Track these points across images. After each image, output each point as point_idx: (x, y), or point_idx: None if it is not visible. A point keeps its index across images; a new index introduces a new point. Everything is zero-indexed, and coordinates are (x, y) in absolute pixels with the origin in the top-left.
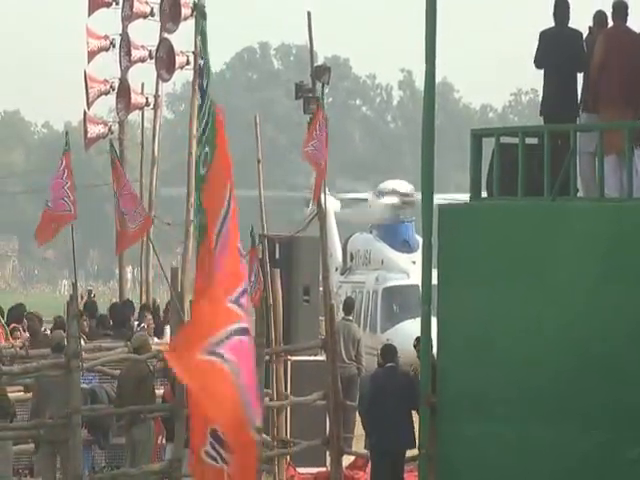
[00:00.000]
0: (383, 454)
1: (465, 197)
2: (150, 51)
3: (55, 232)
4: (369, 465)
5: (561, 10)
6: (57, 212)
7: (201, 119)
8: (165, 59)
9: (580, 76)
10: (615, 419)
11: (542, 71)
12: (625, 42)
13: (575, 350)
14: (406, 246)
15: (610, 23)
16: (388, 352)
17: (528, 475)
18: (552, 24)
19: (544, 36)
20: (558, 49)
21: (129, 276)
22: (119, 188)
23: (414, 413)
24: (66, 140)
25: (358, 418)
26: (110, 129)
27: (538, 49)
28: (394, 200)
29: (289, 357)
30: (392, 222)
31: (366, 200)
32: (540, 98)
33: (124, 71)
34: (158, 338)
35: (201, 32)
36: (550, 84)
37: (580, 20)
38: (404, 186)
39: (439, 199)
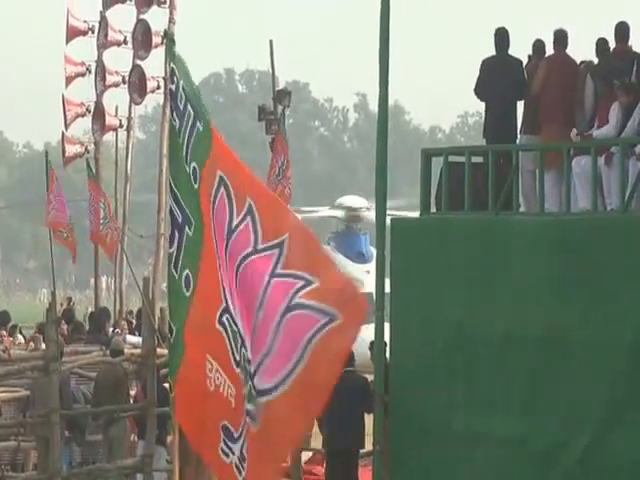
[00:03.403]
0: (339, 453)
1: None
2: (123, 76)
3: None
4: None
5: (501, 38)
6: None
7: (183, 138)
8: (137, 84)
9: (520, 101)
10: (554, 413)
11: (484, 97)
12: (564, 68)
13: (519, 352)
14: (361, 257)
15: (549, 51)
16: (347, 357)
17: (475, 466)
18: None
19: (485, 64)
20: (498, 76)
21: (104, 285)
22: (95, 202)
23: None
24: (46, 160)
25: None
26: (86, 149)
27: (479, 77)
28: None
29: None
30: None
31: (328, 217)
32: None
33: (99, 95)
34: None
35: (177, 59)
36: (491, 111)
37: (520, 48)
38: (359, 201)
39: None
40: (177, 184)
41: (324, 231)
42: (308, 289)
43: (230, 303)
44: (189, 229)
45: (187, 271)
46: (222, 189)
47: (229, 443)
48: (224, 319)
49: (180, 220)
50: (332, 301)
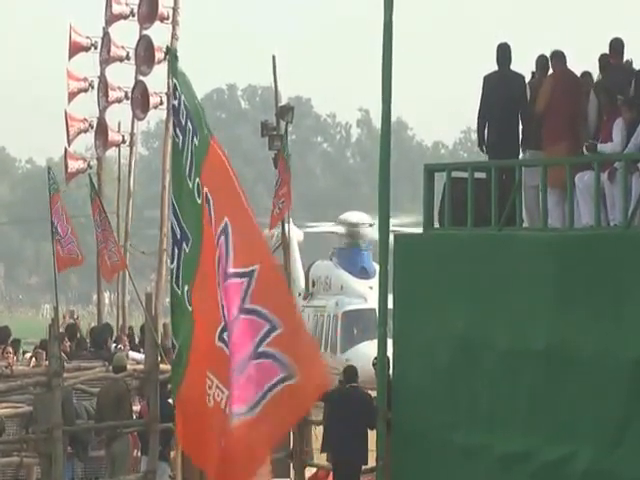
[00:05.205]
0: (343, 468)
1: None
2: (126, 92)
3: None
4: (329, 476)
5: (503, 54)
6: (69, 255)
7: (186, 153)
8: (140, 99)
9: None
10: (556, 429)
11: (487, 113)
12: (568, 85)
13: (521, 367)
14: (364, 273)
15: (550, 68)
16: (350, 373)
17: None
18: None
19: (486, 80)
20: (500, 92)
21: (106, 301)
22: (100, 223)
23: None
24: (49, 177)
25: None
26: (89, 164)
27: (482, 97)
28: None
29: None
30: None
31: (330, 233)
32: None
33: (102, 111)
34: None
35: (180, 74)
36: (493, 127)
37: (523, 64)
38: (362, 217)
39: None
40: (177, 200)
41: (327, 247)
42: (272, 336)
43: (227, 320)
44: (186, 245)
45: (187, 287)
46: (207, 206)
47: None
48: (224, 336)
49: (179, 236)
50: (293, 354)
